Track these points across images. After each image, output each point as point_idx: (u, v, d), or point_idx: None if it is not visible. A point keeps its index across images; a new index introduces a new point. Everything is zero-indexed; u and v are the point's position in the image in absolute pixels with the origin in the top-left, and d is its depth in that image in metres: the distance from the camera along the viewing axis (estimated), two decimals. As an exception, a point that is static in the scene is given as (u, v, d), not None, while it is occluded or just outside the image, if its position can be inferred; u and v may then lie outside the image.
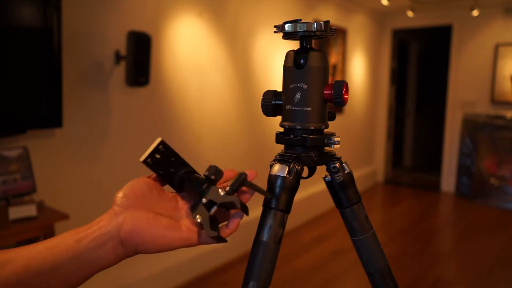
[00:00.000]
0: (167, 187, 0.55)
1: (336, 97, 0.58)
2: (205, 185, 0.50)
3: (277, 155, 0.61)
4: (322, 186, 0.65)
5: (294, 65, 0.59)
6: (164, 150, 0.53)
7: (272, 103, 0.62)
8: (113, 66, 2.44)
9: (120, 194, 0.49)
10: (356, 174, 0.78)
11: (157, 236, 0.47)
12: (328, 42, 4.53)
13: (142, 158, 0.52)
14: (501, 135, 4.92)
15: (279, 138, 0.62)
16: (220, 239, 0.49)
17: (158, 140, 0.53)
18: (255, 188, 0.52)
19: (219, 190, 0.50)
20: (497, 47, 5.06)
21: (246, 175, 0.51)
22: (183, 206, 0.53)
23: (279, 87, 0.63)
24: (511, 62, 5.01)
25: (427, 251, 3.70)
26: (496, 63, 5.08)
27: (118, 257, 0.47)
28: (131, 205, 0.48)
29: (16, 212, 1.79)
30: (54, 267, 0.45)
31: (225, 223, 0.52)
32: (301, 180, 0.59)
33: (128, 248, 0.47)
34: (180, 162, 0.54)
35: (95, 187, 2.41)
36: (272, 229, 0.56)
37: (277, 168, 0.58)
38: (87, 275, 0.47)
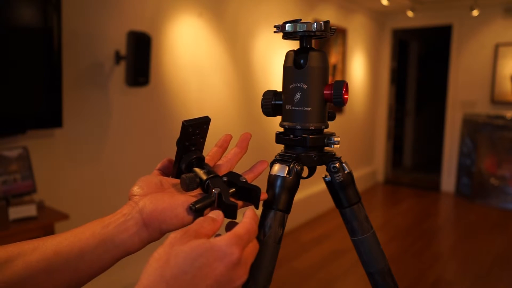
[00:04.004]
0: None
1: (336, 97, 0.58)
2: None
3: (277, 155, 0.61)
4: (322, 186, 0.65)
5: (294, 65, 0.59)
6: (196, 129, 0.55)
7: (272, 103, 0.62)
8: (113, 66, 2.44)
9: (135, 187, 0.52)
10: (356, 174, 0.78)
11: (178, 211, 0.49)
12: (328, 42, 4.53)
13: (186, 120, 0.54)
14: (501, 135, 4.92)
15: (279, 138, 0.62)
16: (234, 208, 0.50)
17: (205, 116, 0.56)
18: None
19: (242, 176, 0.53)
20: (497, 47, 5.06)
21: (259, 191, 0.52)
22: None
23: (279, 87, 0.63)
24: (511, 62, 5.01)
25: (427, 251, 3.70)
26: (496, 63, 5.08)
27: (142, 241, 0.49)
28: (148, 193, 0.51)
29: (16, 212, 1.79)
30: (82, 252, 0.47)
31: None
32: (301, 180, 0.59)
33: (152, 229, 0.49)
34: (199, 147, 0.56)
35: (95, 187, 2.41)
36: (272, 229, 0.56)
37: (277, 168, 0.58)
38: (114, 259, 0.49)
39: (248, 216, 0.46)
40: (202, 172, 0.52)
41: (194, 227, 0.44)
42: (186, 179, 0.50)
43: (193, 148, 0.55)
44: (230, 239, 0.42)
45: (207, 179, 0.51)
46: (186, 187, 0.50)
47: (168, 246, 0.41)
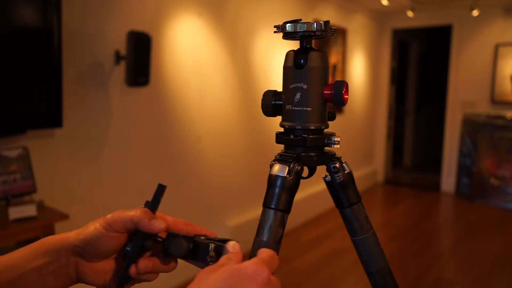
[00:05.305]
0: None
1: (336, 97, 0.58)
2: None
3: (277, 155, 0.61)
4: (322, 186, 0.65)
5: (294, 65, 0.59)
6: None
7: (272, 103, 0.62)
8: (113, 66, 2.44)
9: (80, 237, 0.52)
10: (356, 174, 0.78)
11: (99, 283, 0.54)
12: (328, 42, 4.53)
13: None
14: (501, 135, 4.92)
15: (279, 138, 0.62)
16: None
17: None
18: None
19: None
20: (497, 47, 5.06)
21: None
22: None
23: (279, 87, 0.63)
24: (511, 62, 5.01)
25: (427, 251, 3.70)
26: (496, 63, 5.08)
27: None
28: (86, 254, 0.52)
29: (16, 212, 1.79)
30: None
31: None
32: (301, 180, 0.59)
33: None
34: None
35: (95, 187, 2.41)
36: (272, 229, 0.56)
37: (277, 168, 0.58)
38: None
39: (264, 249, 0.47)
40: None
41: (219, 262, 0.45)
42: (181, 249, 0.51)
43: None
44: (257, 260, 0.43)
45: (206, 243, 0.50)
46: (179, 254, 0.52)
47: (198, 280, 0.42)
